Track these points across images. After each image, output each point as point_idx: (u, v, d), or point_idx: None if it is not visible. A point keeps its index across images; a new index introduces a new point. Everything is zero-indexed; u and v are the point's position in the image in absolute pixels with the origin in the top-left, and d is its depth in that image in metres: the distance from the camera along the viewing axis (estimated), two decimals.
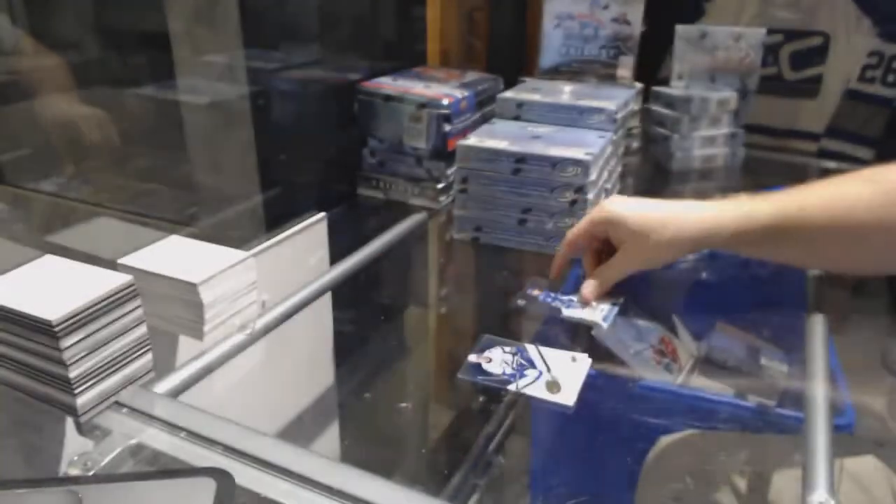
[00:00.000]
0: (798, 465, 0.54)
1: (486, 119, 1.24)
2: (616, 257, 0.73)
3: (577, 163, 0.96)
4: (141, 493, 0.48)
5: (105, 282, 0.58)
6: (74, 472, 0.53)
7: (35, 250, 0.63)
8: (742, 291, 1.08)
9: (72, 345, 0.55)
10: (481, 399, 0.79)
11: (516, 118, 1.15)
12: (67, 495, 0.45)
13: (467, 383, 0.73)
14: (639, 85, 1.47)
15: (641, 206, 0.70)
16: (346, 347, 0.97)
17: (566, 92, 1.23)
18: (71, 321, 0.54)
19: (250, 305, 0.73)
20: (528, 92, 1.20)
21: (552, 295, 0.89)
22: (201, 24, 0.92)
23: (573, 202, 0.98)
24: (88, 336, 0.56)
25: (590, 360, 0.75)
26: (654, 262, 0.71)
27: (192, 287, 0.65)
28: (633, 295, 1.10)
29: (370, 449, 0.81)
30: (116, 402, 0.60)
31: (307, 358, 0.99)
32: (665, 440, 0.74)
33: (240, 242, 0.92)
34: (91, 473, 0.53)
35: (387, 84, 1.20)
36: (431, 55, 1.50)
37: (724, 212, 0.67)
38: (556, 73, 1.46)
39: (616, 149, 1.20)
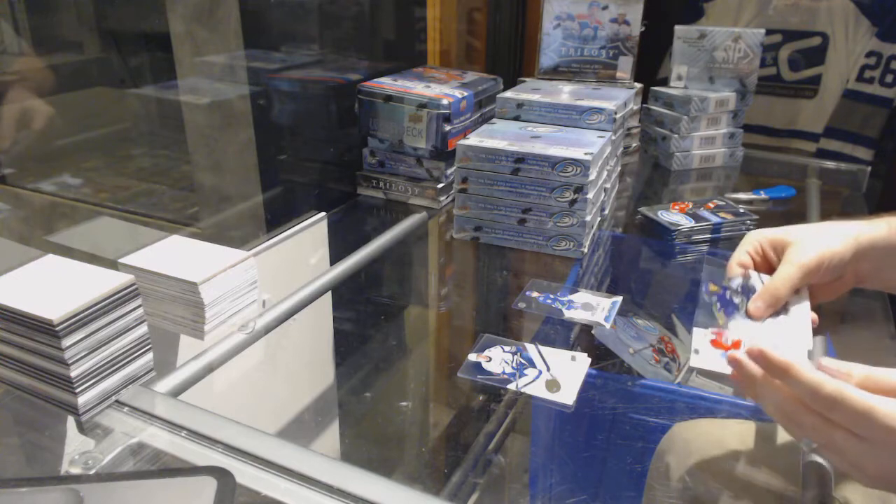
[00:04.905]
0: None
1: (485, 119, 1.24)
2: (783, 267, 0.63)
3: (576, 163, 0.96)
4: (142, 491, 0.48)
5: (106, 281, 0.58)
6: (76, 470, 0.54)
7: (37, 250, 0.63)
8: None
9: (73, 344, 0.55)
10: (481, 398, 0.79)
11: (516, 118, 1.15)
12: (69, 493, 0.46)
13: (467, 382, 0.74)
14: (638, 85, 1.47)
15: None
16: (346, 347, 0.97)
17: (565, 92, 1.23)
18: (72, 320, 0.55)
19: (251, 305, 0.73)
20: (528, 92, 1.20)
21: (552, 297, 0.89)
22: (202, 25, 0.92)
23: (572, 202, 0.98)
24: (89, 335, 0.56)
25: (589, 360, 0.75)
26: (827, 255, 0.61)
27: (192, 286, 0.66)
28: (632, 295, 1.10)
29: (370, 448, 0.81)
30: (117, 401, 0.60)
31: (307, 357, 0.99)
32: (679, 426, 0.74)
33: (240, 242, 0.92)
34: (92, 472, 0.53)
35: (387, 84, 1.21)
36: (431, 55, 1.50)
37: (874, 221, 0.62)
38: (555, 73, 1.47)
39: (615, 149, 1.20)
